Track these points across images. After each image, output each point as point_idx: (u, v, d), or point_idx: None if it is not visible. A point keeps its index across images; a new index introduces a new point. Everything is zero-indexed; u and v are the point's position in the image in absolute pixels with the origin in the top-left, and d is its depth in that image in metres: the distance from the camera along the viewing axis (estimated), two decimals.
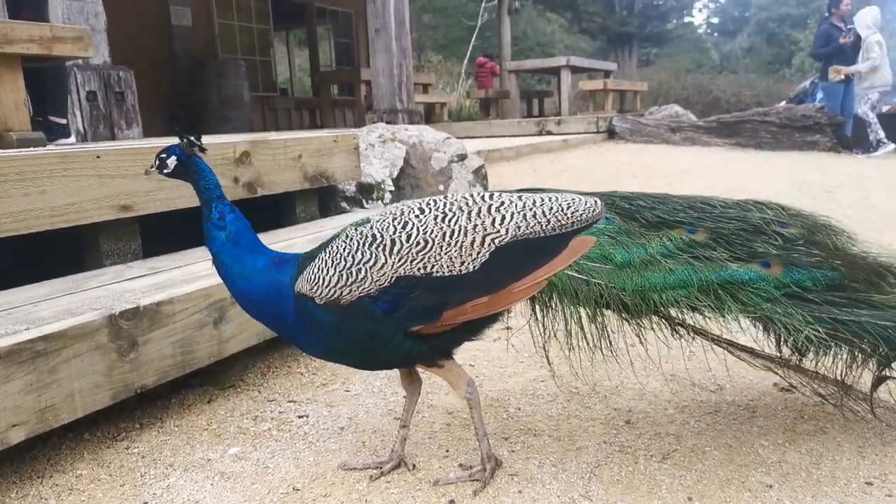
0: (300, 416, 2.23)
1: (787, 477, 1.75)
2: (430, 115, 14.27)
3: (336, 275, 1.58)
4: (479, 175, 5.58)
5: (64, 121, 4.47)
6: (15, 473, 1.91)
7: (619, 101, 15.54)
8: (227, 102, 10.80)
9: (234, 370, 2.59)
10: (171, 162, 1.69)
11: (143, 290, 2.27)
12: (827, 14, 11.10)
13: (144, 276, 2.53)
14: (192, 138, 1.67)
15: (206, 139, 4.02)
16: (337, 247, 1.63)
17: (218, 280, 2.32)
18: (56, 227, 2.52)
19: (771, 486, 1.71)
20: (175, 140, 1.72)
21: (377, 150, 5.09)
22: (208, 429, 2.16)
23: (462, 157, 5.47)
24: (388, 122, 7.65)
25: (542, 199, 1.69)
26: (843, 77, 10.71)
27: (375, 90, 9.04)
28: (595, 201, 1.74)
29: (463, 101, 18.50)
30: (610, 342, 1.79)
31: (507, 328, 1.89)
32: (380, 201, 4.61)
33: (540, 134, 12.19)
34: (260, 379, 2.56)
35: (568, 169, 8.45)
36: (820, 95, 13.03)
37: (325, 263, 1.61)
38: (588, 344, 1.79)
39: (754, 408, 2.15)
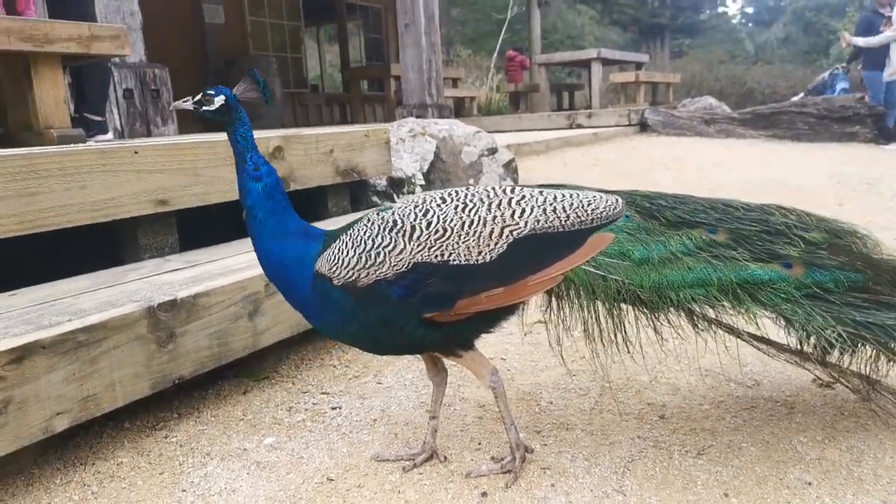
0: (333, 408, 2.25)
1: (826, 474, 1.71)
2: (459, 110, 14.23)
3: (355, 257, 1.60)
4: (510, 169, 5.56)
5: (100, 118, 4.56)
6: (59, 460, 1.97)
7: (651, 94, 15.33)
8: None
9: (268, 362, 2.62)
10: (219, 101, 1.67)
11: (181, 282, 2.32)
12: None
13: (181, 269, 2.57)
14: (263, 84, 1.68)
15: None
16: (358, 230, 1.65)
17: (252, 273, 2.37)
18: (96, 222, 2.58)
19: (810, 484, 1.67)
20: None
21: (407, 144, 5.10)
22: (244, 419, 2.20)
23: (492, 151, 5.46)
24: (417, 117, 7.65)
25: (563, 195, 1.70)
26: (846, 43, 10.75)
27: (405, 85, 9.05)
28: (616, 199, 1.75)
29: (492, 95, 18.42)
30: (626, 336, 1.79)
31: (539, 321, 1.89)
32: (410, 195, 4.63)
33: (570, 127, 12.09)
34: (294, 371, 2.59)
35: (599, 162, 8.37)
36: (840, 86, 12.77)
37: (346, 245, 1.63)
38: (608, 338, 1.79)
39: (792, 404, 2.11)
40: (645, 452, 1.86)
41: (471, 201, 1.64)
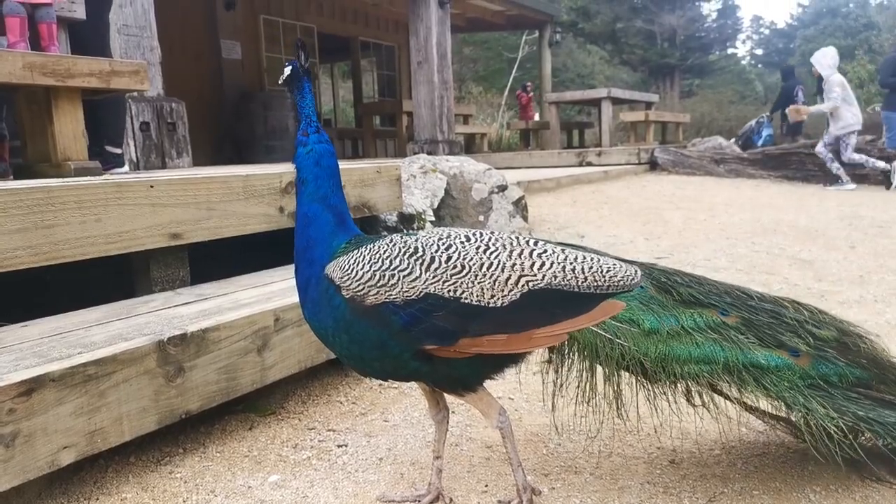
0: (339, 446, 2.23)
1: None
2: (470, 146, 14.39)
3: (370, 272, 1.61)
4: (519, 206, 5.59)
5: (119, 151, 4.64)
6: (63, 494, 1.95)
7: (660, 133, 15.44)
8: (273, 133, 11.07)
9: (274, 397, 2.61)
10: (287, 70, 1.82)
11: (191, 316, 2.33)
12: None
13: (192, 302, 2.59)
14: (302, 59, 1.80)
15: (253, 168, 4.12)
16: (380, 247, 1.67)
17: (263, 307, 2.38)
18: (110, 254, 2.60)
19: None
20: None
21: (418, 180, 5.15)
22: (249, 455, 2.18)
23: (502, 188, 5.50)
24: (428, 153, 7.74)
25: (584, 258, 1.72)
26: (803, 117, 11.15)
27: (417, 121, 9.18)
28: (635, 270, 1.77)
29: (503, 132, 18.63)
30: (619, 404, 1.81)
31: (547, 361, 1.89)
32: (420, 231, 4.65)
33: (580, 165, 12.16)
34: (300, 406, 2.58)
35: (609, 200, 8.39)
36: (766, 132, 13.03)
37: (363, 258, 1.65)
38: (602, 400, 1.82)
39: (805, 451, 2.06)
40: (654, 499, 1.83)
41: (493, 245, 1.67)
